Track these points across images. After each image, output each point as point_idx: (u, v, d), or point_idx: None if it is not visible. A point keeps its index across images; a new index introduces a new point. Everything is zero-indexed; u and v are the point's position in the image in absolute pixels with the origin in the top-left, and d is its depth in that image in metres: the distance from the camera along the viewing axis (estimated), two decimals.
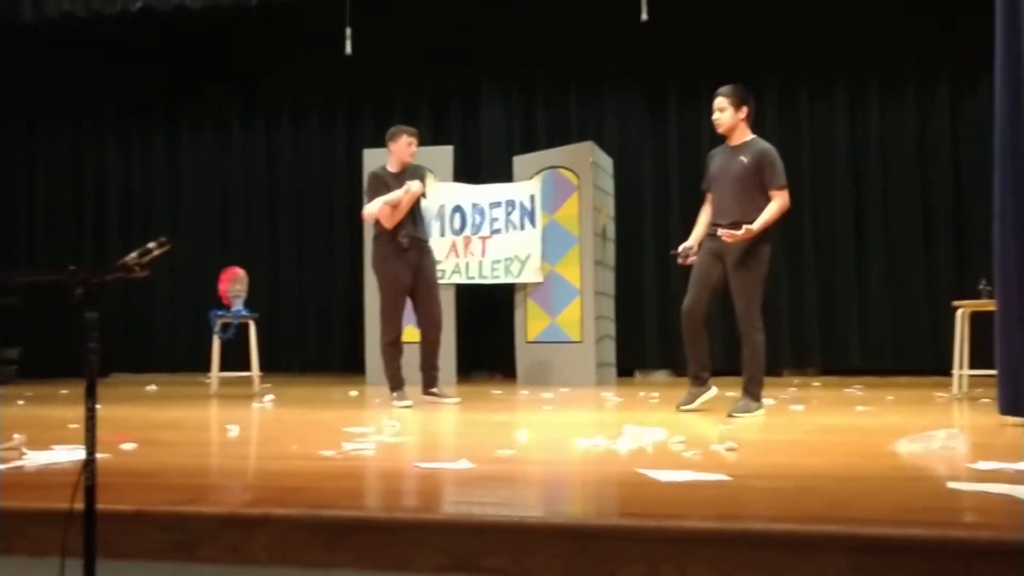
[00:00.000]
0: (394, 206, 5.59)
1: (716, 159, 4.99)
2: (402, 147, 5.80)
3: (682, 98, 8.96)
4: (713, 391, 4.92)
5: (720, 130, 4.93)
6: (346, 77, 9.21)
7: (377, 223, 5.72)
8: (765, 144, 4.88)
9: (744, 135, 4.89)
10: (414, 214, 5.72)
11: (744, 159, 4.79)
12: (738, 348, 4.89)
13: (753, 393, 4.73)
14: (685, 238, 5.12)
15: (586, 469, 2.93)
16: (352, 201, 9.03)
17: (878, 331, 8.43)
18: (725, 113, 4.86)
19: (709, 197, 5.03)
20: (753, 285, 4.73)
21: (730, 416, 4.57)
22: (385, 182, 5.71)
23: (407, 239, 5.66)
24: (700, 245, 4.95)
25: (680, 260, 5.00)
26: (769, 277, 4.90)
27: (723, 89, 4.93)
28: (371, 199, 5.74)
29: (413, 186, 5.60)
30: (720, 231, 4.71)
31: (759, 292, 4.76)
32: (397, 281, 5.66)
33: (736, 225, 4.68)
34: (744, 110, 4.86)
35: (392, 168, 5.83)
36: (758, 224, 4.65)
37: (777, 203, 4.74)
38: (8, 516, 2.18)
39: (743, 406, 4.66)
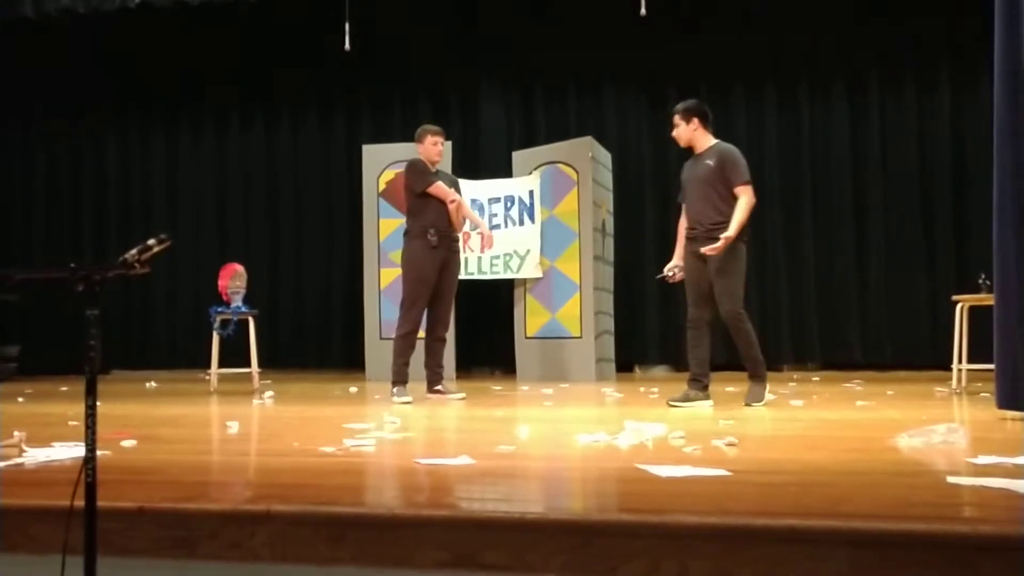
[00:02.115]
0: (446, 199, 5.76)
1: (685, 169, 5.28)
2: (428, 147, 5.88)
3: (681, 93, 8.82)
4: (709, 403, 5.01)
5: (681, 144, 5.25)
6: (345, 73, 9.20)
7: (409, 218, 5.83)
8: (727, 145, 5.16)
9: (706, 142, 5.16)
10: (446, 214, 5.78)
11: (710, 162, 5.07)
12: (732, 343, 5.14)
13: (761, 375, 5.01)
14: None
15: (586, 465, 2.94)
16: (351, 197, 9.05)
17: (878, 326, 8.43)
18: (679, 128, 5.19)
19: (685, 208, 5.28)
20: (734, 286, 4.98)
21: (748, 405, 4.86)
22: (429, 171, 5.82)
23: (436, 237, 5.70)
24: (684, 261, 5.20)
25: (669, 280, 5.24)
26: (746, 271, 5.10)
27: (674, 108, 5.26)
28: (418, 182, 5.76)
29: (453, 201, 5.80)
30: (703, 249, 4.93)
31: (740, 289, 5.01)
32: (423, 277, 5.71)
33: (715, 227, 4.94)
34: (695, 121, 5.14)
35: None
36: (734, 228, 4.90)
37: (744, 200, 4.98)
38: (9, 514, 2.18)
39: (758, 394, 4.95)
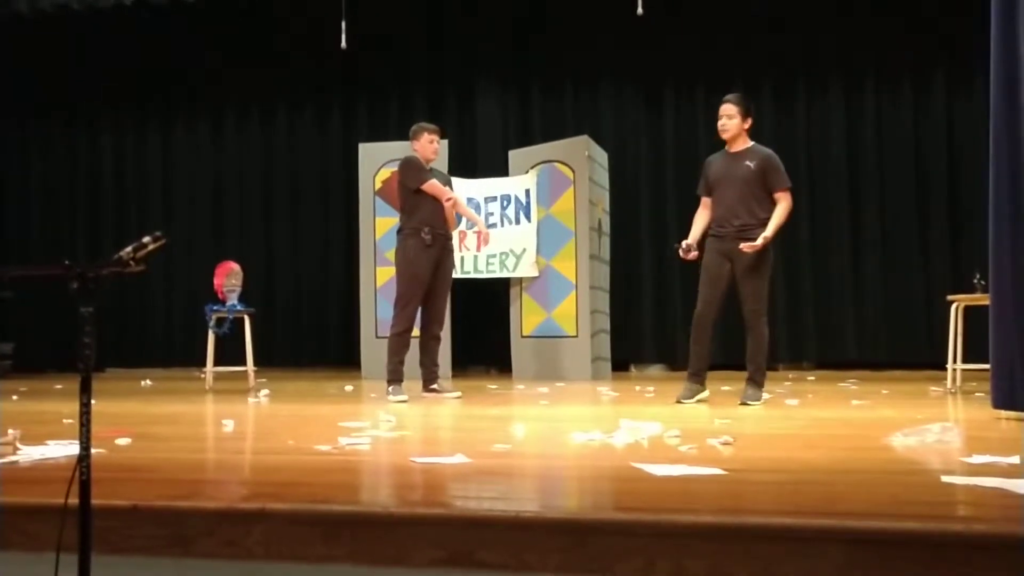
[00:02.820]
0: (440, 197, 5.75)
1: (715, 165, 5.20)
2: (424, 145, 5.87)
3: (678, 92, 8.95)
4: (706, 393, 5.13)
5: (726, 136, 5.14)
6: (341, 71, 9.19)
7: (404, 216, 5.82)
8: (767, 149, 5.14)
9: (746, 142, 5.14)
10: (441, 213, 5.78)
11: (751, 164, 5.03)
12: (737, 343, 5.16)
13: (760, 382, 5.00)
14: (680, 232, 5.32)
15: (582, 463, 2.94)
16: (347, 195, 9.04)
17: (873, 325, 8.45)
18: (733, 121, 5.08)
19: (706, 201, 5.24)
20: (762, 286, 5.00)
21: (743, 404, 4.87)
22: (424, 168, 5.81)
23: (430, 236, 5.70)
24: (700, 246, 5.17)
25: (682, 254, 5.16)
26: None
27: (731, 97, 5.16)
28: (413, 178, 5.75)
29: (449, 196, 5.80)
30: (743, 246, 4.90)
31: (767, 289, 5.05)
32: (417, 276, 5.71)
33: (746, 228, 4.95)
34: (749, 120, 5.11)
35: None
36: (771, 229, 4.93)
37: (784, 205, 5.02)
38: (3, 511, 2.17)
39: (754, 394, 4.96)
